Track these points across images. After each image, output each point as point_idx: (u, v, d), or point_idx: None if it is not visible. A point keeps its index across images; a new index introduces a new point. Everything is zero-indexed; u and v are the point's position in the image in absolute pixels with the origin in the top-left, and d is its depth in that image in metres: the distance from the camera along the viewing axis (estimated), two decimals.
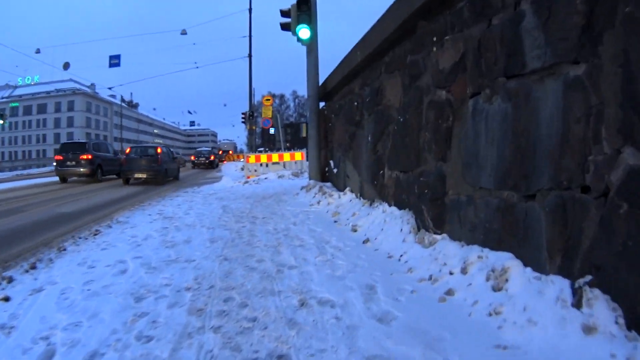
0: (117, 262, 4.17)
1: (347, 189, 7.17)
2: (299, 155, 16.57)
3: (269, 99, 28.89)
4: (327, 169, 9.32)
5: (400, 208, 4.75)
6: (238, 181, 14.51)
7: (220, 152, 37.24)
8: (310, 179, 9.61)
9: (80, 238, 5.64)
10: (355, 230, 5.13)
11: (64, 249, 4.98)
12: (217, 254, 4.34)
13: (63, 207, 9.52)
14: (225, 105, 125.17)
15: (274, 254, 4.26)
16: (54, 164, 18.49)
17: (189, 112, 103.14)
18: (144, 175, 16.36)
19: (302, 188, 9.35)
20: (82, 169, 17.43)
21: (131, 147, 18.43)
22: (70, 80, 76.45)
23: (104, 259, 4.31)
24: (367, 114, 6.18)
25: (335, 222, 5.88)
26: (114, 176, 19.18)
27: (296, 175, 15.28)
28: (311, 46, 9.47)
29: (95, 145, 19.09)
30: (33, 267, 4.19)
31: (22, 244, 5.64)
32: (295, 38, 9.28)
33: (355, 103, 6.78)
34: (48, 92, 79.59)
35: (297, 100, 79.85)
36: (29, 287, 3.53)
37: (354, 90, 7.08)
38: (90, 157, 17.53)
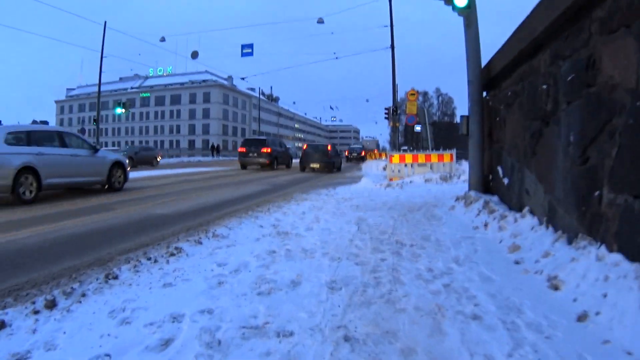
0: (169, 319, 2.76)
1: (526, 209, 5.18)
2: (448, 156, 14.54)
3: (414, 94, 26.99)
4: (491, 177, 7.35)
5: (632, 259, 2.84)
6: (379, 183, 13.01)
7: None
8: (470, 188, 7.75)
9: (149, 260, 4.19)
10: (556, 288, 3.22)
11: (115, 277, 3.63)
12: (335, 324, 2.70)
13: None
14: (367, 100, 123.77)
15: (431, 336, 2.54)
16: (238, 154, 24.40)
17: (331, 108, 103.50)
18: (317, 166, 21.56)
19: (458, 199, 7.60)
20: (262, 159, 22.65)
21: (307, 144, 23.94)
22: (206, 72, 77.67)
23: (155, 308, 2.95)
24: (565, 102, 4.14)
25: (516, 262, 4.00)
26: (283, 166, 25.20)
27: (445, 179, 13.32)
28: (470, 17, 7.51)
29: (272, 141, 24.75)
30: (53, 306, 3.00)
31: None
32: (446, 12, 7.48)
33: (544, 86, 4.74)
34: (182, 83, 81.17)
35: (440, 97, 75.61)
36: None
37: (538, 69, 5.05)
38: (270, 150, 22.65)
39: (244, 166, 23.46)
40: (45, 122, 54.51)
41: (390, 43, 27.87)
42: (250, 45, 32.43)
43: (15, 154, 8.64)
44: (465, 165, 15.05)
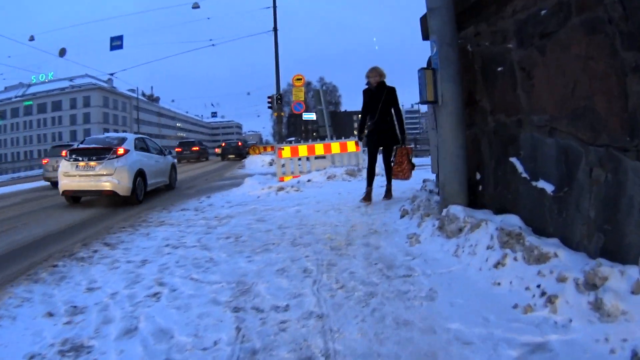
0: None
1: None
2: (352, 145, 11.36)
3: (300, 79, 23.76)
4: (479, 176, 4.08)
5: None
6: (268, 186, 9.35)
7: (240, 144, 35.62)
8: (443, 195, 4.01)
9: None
10: None
11: None
12: None
13: None
14: (248, 94, 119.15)
15: None
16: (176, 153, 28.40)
17: (212, 105, 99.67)
18: (233, 156, 32.63)
19: (412, 213, 4.55)
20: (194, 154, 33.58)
21: (225, 142, 37.44)
22: (86, 75, 73.83)
23: None
24: None
25: None
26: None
27: (352, 174, 10.11)
28: None
29: (199, 142, 37.18)
30: None
31: None
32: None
33: None
34: (63, 89, 77.56)
35: (324, 86, 73.54)
36: None
37: None
38: (198, 148, 34.14)
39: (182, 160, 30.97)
40: None
41: (272, 26, 24.47)
42: (120, 37, 28.15)
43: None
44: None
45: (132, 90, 74.20)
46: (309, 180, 9.76)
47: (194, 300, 3.00)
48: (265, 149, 24.31)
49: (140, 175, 9.48)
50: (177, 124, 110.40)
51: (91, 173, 8.97)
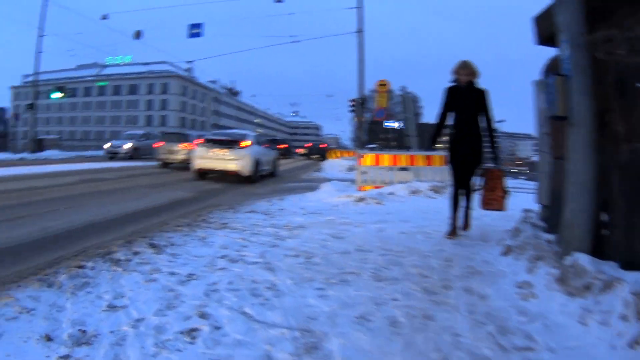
0: None
1: None
2: (438, 159, 10.61)
3: (384, 84, 23.13)
4: (608, 217, 3.26)
5: None
6: (346, 194, 8.93)
7: (322, 146, 34.99)
8: (563, 236, 3.30)
9: None
10: None
11: None
12: None
13: None
14: (330, 96, 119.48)
15: None
16: None
17: (292, 105, 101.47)
18: (317, 156, 32.47)
19: (518, 253, 3.84)
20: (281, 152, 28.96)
21: (312, 143, 36.07)
22: (165, 62, 75.08)
23: None
24: None
25: None
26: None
27: (437, 191, 9.41)
28: None
29: (284, 140, 37.59)
30: None
31: None
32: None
33: None
34: (140, 73, 79.02)
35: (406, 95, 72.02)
36: None
37: None
38: (287, 145, 34.62)
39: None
40: (1, 109, 57.78)
41: (357, 27, 24.03)
42: (199, 25, 27.43)
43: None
44: None
45: (213, 82, 76.11)
46: (391, 193, 9.18)
47: (241, 351, 2.32)
48: (343, 153, 23.69)
49: (257, 162, 12.85)
50: (256, 120, 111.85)
51: (222, 157, 12.42)
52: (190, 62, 30.25)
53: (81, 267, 3.62)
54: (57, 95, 30.18)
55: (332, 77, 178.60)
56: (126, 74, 79.63)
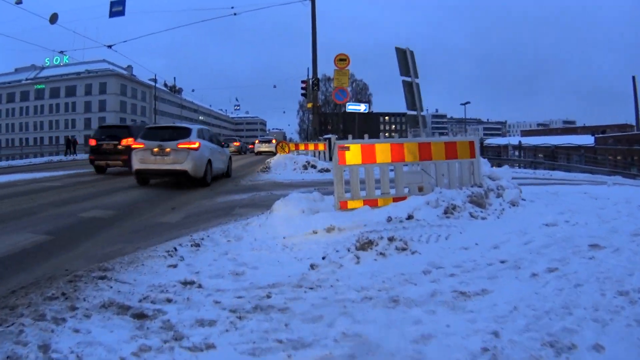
0: None
1: None
2: (465, 146, 6.33)
3: (345, 59, 18.72)
4: None
5: None
6: (326, 227, 4.33)
7: (273, 141, 29.76)
8: None
9: None
10: None
11: None
12: None
13: None
14: (275, 86, 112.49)
15: None
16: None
17: (236, 100, 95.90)
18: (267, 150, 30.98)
19: None
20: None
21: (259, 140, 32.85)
22: (104, 61, 71.06)
23: None
24: None
25: None
26: None
27: (479, 203, 5.15)
28: None
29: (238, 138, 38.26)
30: None
31: None
32: None
33: None
34: (78, 73, 73.89)
35: (354, 84, 67.58)
36: None
37: None
38: (239, 144, 33.67)
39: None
40: None
41: None
42: (122, 2, 22.34)
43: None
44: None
45: (153, 80, 70.41)
46: (410, 217, 4.67)
47: None
48: (298, 146, 18.53)
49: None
50: (200, 117, 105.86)
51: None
52: (109, 46, 24.15)
53: None
54: None
55: (276, 69, 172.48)
56: (64, 74, 74.83)
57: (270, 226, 4.73)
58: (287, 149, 16.88)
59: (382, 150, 5.82)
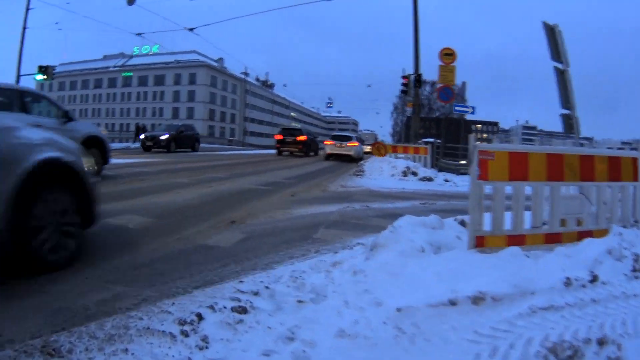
0: None
1: None
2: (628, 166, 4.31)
3: (451, 53, 16.74)
4: None
5: None
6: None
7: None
8: None
9: None
10: None
11: None
12: None
13: None
14: (369, 86, 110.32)
15: None
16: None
17: (329, 99, 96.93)
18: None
19: None
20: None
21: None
22: (194, 52, 72.69)
23: None
24: None
25: None
26: None
27: None
28: None
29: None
30: None
31: None
32: None
33: None
34: (167, 63, 76.05)
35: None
36: None
37: None
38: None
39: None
40: None
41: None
42: None
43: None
44: None
45: (245, 74, 71.90)
46: (594, 279, 2.85)
47: None
48: (396, 149, 16.42)
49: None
50: (292, 114, 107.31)
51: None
52: (192, 29, 24.32)
53: None
54: (40, 77, 25.10)
55: (371, 69, 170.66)
56: (152, 64, 76.40)
57: (373, 278, 2.94)
58: (383, 152, 15.17)
59: (537, 162, 3.96)
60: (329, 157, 23.35)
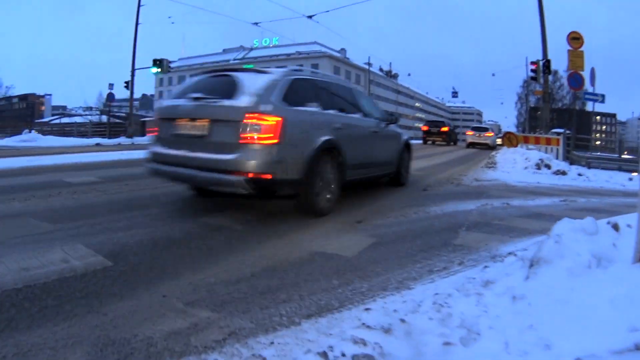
0: None
1: None
2: None
3: (578, 37, 15.60)
4: None
5: None
6: None
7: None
8: None
9: None
10: None
11: None
12: None
13: None
14: (493, 75, 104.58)
15: None
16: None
17: (453, 88, 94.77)
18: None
19: None
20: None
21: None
22: (315, 42, 72.79)
23: None
24: None
25: None
26: None
27: None
28: None
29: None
30: None
31: None
32: None
33: None
34: (288, 55, 75.88)
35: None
36: None
37: None
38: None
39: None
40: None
41: None
42: None
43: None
44: None
45: (368, 64, 70.68)
46: None
47: None
48: (527, 140, 15.45)
49: None
50: (416, 104, 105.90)
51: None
52: (310, 16, 24.88)
53: None
54: (155, 70, 25.87)
55: (496, 57, 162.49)
56: (274, 55, 76.61)
57: (537, 307, 2.23)
58: (515, 142, 14.71)
59: None
60: (469, 145, 27.23)
